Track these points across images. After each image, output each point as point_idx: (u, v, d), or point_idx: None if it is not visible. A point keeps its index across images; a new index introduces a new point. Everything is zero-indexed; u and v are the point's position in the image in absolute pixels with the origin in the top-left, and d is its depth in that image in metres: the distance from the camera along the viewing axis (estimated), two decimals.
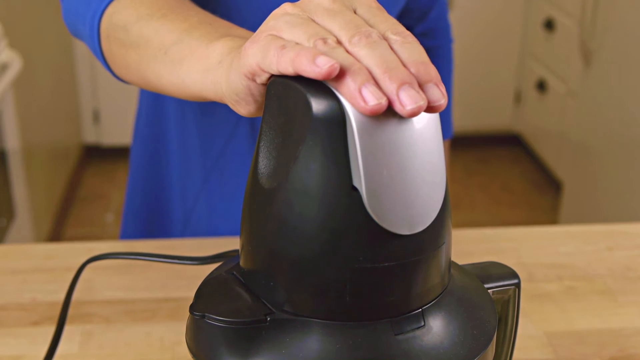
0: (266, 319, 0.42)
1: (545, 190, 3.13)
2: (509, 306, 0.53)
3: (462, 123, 3.33)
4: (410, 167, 0.41)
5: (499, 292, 0.52)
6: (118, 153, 3.18)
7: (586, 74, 2.52)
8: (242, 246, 0.45)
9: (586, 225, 1.04)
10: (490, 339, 0.45)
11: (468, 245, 0.95)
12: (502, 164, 3.38)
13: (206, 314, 0.42)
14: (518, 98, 3.39)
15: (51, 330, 0.74)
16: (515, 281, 0.52)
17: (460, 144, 3.37)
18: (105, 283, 0.88)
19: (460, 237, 0.97)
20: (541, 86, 3.10)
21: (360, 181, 0.40)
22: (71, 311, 0.82)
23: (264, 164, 0.44)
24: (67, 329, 0.80)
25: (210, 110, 0.91)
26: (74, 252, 0.95)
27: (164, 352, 0.77)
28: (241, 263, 0.46)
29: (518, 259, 0.93)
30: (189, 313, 0.44)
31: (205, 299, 0.44)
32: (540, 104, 3.14)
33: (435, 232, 0.43)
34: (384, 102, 0.40)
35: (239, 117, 0.90)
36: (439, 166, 0.42)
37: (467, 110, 3.37)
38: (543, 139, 3.16)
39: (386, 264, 0.41)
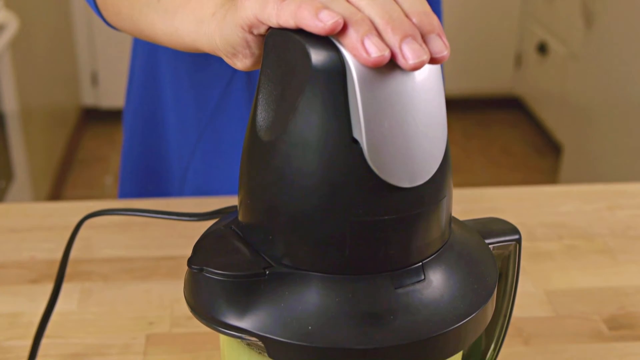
0: (265, 272, 0.42)
1: (545, 153, 3.13)
2: (510, 262, 0.53)
3: (461, 86, 3.32)
4: (412, 119, 0.40)
5: (499, 247, 0.51)
6: (116, 115, 3.15)
7: (587, 36, 2.50)
8: (241, 200, 0.45)
9: (586, 185, 1.04)
10: (491, 294, 0.45)
11: (468, 204, 0.95)
12: (501, 127, 3.37)
13: (204, 268, 0.42)
14: (518, 61, 3.37)
15: (49, 287, 0.74)
16: (516, 237, 0.51)
17: (460, 107, 3.36)
18: (104, 241, 0.88)
19: (460, 196, 0.96)
20: (542, 48, 3.08)
21: (360, 133, 0.39)
22: (70, 269, 0.82)
23: (262, 117, 0.43)
24: (66, 286, 0.79)
25: (204, 64, 0.90)
26: (72, 210, 0.94)
27: (163, 310, 0.77)
28: (240, 217, 0.45)
29: (518, 219, 0.92)
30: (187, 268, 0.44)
31: (203, 253, 0.43)
32: (541, 67, 3.12)
33: (436, 186, 0.42)
34: (386, 54, 0.39)
35: (234, 71, 0.89)
36: (440, 118, 0.42)
37: (467, 73, 3.35)
38: (543, 101, 3.15)
39: (386, 217, 0.40)
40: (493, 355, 0.57)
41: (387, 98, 0.40)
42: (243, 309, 0.41)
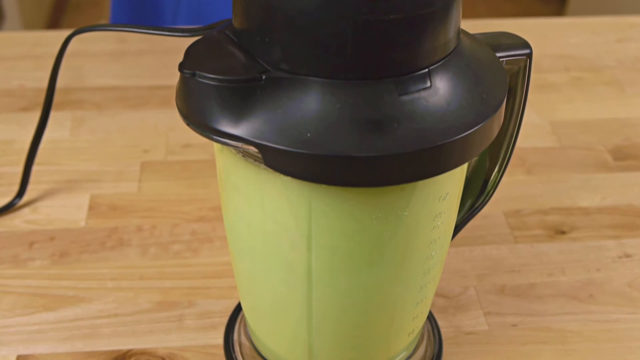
0: (261, 77, 0.39)
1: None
2: (519, 78, 0.50)
3: None
4: None
5: (509, 62, 0.48)
6: None
7: None
8: (235, 2, 0.41)
9: (595, 16, 1.00)
10: (500, 105, 0.42)
11: None
12: None
13: (197, 72, 0.39)
14: None
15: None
16: (527, 51, 0.49)
17: None
18: (96, 70, 0.85)
19: (464, 27, 0.93)
20: None
21: None
22: (61, 97, 0.80)
23: None
24: (58, 114, 0.77)
25: None
26: (62, 39, 0.91)
27: (158, 138, 0.75)
28: (234, 23, 0.42)
29: None
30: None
31: (195, 57, 0.41)
32: None
33: None
34: None
35: None
36: None
37: None
38: None
39: (392, 17, 0.37)
40: (496, 178, 0.55)
41: None
42: (238, 115, 0.39)
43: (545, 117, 0.79)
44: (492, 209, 0.68)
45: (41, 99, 0.80)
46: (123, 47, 0.89)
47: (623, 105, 0.82)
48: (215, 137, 0.39)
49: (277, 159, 0.39)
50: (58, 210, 0.67)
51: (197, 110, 0.40)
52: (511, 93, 0.50)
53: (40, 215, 0.67)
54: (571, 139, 0.76)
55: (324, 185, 0.40)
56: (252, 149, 0.39)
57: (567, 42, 0.92)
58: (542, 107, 0.81)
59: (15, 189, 0.69)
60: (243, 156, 0.42)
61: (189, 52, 0.41)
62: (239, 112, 0.39)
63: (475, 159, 0.53)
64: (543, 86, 0.84)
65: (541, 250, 0.64)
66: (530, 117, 0.79)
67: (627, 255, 0.64)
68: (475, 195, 0.54)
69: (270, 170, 0.41)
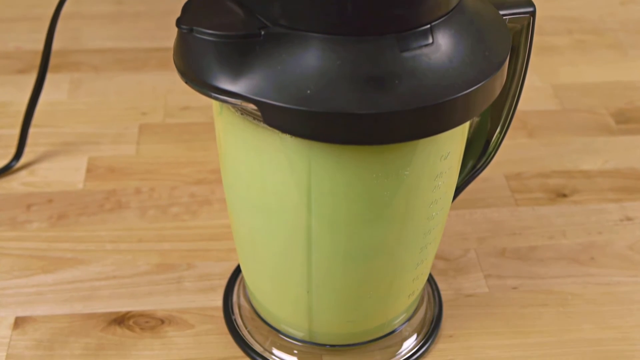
0: (260, 32, 0.38)
1: None
2: (522, 37, 0.50)
3: None
4: None
5: (512, 20, 0.48)
6: None
7: None
8: None
9: None
10: (503, 62, 0.42)
11: None
12: None
13: (194, 28, 0.38)
14: None
15: None
16: (531, 9, 0.48)
17: None
18: (93, 32, 0.84)
19: None
20: None
21: None
22: (58, 59, 0.79)
23: None
24: (55, 77, 0.77)
25: None
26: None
27: (156, 100, 0.75)
28: None
29: None
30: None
31: (193, 13, 0.40)
32: None
33: None
34: None
35: None
36: None
37: None
38: None
39: None
40: (498, 139, 0.55)
41: None
42: (237, 72, 0.38)
43: (547, 80, 0.78)
44: (493, 171, 0.67)
45: (38, 60, 0.79)
46: (120, 8, 0.88)
47: (626, 68, 0.81)
48: (213, 94, 0.39)
49: (276, 117, 0.38)
50: (56, 173, 0.67)
51: (195, 67, 0.39)
52: (514, 52, 0.50)
53: (38, 177, 0.66)
54: (573, 102, 0.76)
55: (324, 144, 0.40)
56: (251, 106, 0.38)
57: (570, 4, 0.91)
58: (544, 70, 0.80)
59: (12, 151, 0.68)
60: (242, 114, 0.42)
61: (186, 7, 0.40)
62: (237, 69, 0.38)
63: (477, 119, 0.53)
64: (545, 49, 0.83)
65: (542, 213, 0.64)
66: (532, 80, 0.78)
67: (629, 219, 0.64)
68: (477, 156, 0.53)
69: (270, 129, 0.40)
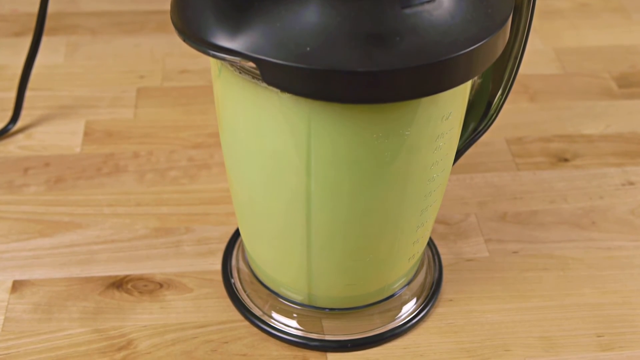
0: None
1: None
2: None
3: None
4: None
5: None
6: None
7: None
8: None
9: None
10: (505, 21, 0.41)
11: None
12: None
13: None
14: None
15: None
16: None
17: None
18: None
19: None
20: None
21: None
22: (55, 22, 0.78)
23: None
24: (51, 40, 0.76)
25: None
26: None
27: (154, 64, 0.74)
28: None
29: None
30: None
31: None
32: None
33: None
34: None
35: None
36: None
37: None
38: None
39: None
40: (500, 101, 0.54)
41: None
42: (235, 29, 0.37)
43: (550, 43, 0.78)
44: (494, 136, 0.67)
45: (34, 23, 0.78)
46: None
47: (629, 32, 0.80)
48: (211, 51, 0.38)
49: (275, 75, 0.37)
50: (53, 136, 0.66)
51: (192, 24, 0.39)
52: (517, 12, 0.49)
53: (35, 141, 0.66)
54: (575, 66, 0.75)
55: (323, 103, 0.39)
56: (250, 64, 0.38)
57: None
58: (547, 33, 0.79)
59: (9, 114, 0.68)
60: (240, 73, 0.41)
61: None
62: (235, 25, 0.38)
63: (478, 80, 0.52)
64: (548, 12, 0.82)
65: (543, 177, 0.64)
66: (534, 43, 0.77)
67: (630, 183, 0.63)
68: (478, 118, 0.52)
69: (269, 88, 0.40)
